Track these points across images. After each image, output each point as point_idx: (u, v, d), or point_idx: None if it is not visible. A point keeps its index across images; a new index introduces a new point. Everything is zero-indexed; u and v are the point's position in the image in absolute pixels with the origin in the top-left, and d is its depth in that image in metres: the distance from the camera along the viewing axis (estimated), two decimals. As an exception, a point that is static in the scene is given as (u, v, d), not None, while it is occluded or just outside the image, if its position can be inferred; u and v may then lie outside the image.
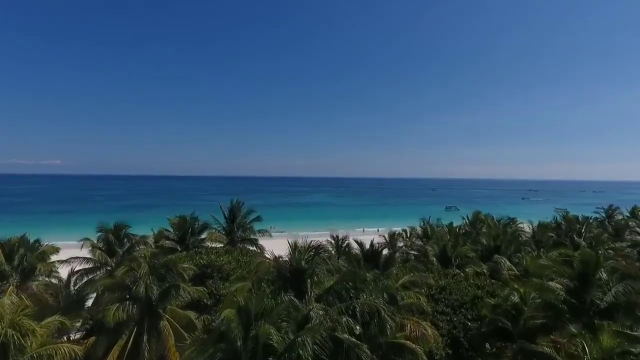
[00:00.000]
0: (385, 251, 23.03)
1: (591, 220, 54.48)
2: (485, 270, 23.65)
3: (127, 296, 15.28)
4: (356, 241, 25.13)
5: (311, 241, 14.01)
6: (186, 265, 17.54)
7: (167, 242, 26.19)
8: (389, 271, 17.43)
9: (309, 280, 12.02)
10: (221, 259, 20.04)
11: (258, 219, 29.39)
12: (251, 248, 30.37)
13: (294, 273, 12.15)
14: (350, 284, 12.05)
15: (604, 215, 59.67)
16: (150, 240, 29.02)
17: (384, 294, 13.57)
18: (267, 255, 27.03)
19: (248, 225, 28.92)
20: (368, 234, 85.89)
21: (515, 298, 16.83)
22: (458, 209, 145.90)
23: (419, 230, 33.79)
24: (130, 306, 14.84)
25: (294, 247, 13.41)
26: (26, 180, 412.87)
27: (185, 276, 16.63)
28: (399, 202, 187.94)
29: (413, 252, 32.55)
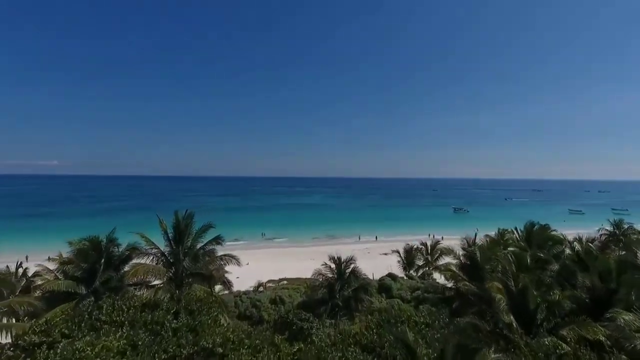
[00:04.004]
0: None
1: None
2: (603, 339, 13.40)
3: None
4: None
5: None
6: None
7: (60, 282, 15.84)
8: None
9: None
10: (77, 345, 9.22)
11: (217, 240, 18.76)
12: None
13: None
14: None
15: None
16: (50, 272, 18.87)
17: None
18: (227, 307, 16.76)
19: (201, 251, 18.41)
20: (365, 243, 75.59)
21: None
22: (467, 211, 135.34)
23: (457, 250, 23.41)
24: None
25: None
26: (19, 181, 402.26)
27: None
28: (400, 203, 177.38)
29: (450, 285, 22.25)
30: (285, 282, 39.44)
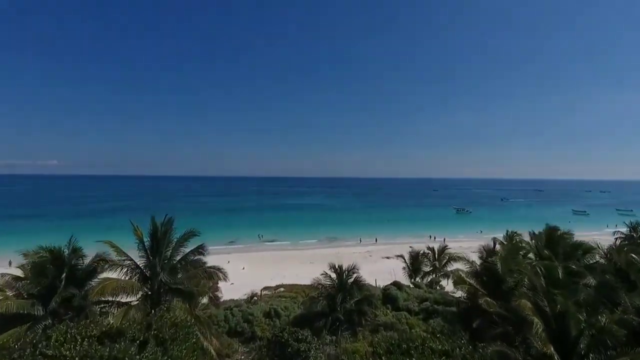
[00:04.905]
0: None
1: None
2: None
3: None
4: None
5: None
6: None
7: (9, 303, 13.37)
8: None
9: None
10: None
11: (200, 250, 16.21)
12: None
13: None
14: None
15: None
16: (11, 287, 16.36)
17: None
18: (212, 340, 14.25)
19: (180, 265, 15.87)
20: (366, 245, 72.99)
21: None
22: (470, 212, 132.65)
23: (469, 256, 20.90)
24: None
25: None
26: (18, 181, 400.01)
27: None
28: (401, 203, 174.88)
29: (460, 295, 19.74)
30: (282, 289, 36.90)
